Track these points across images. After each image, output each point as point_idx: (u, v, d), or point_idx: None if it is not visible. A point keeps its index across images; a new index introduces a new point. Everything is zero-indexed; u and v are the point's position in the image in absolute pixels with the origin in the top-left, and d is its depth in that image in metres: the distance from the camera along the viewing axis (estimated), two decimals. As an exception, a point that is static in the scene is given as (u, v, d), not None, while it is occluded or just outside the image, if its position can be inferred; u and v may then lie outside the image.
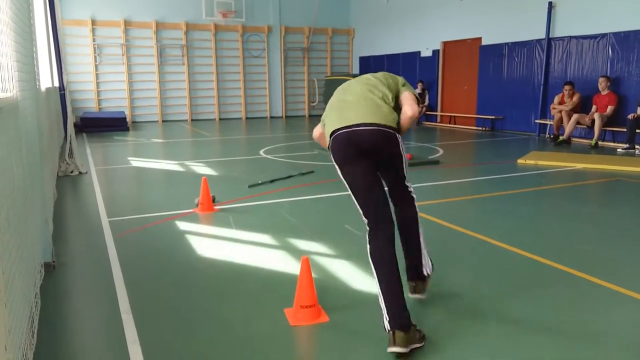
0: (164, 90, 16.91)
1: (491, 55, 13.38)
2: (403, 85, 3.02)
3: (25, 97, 3.13)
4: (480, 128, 13.63)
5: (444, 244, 4.22)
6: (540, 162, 8.07)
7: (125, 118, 14.38)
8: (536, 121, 12.16)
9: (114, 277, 3.52)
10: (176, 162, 8.46)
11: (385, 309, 2.56)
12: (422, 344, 2.55)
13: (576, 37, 11.22)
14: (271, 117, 18.43)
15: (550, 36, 11.75)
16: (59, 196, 6.01)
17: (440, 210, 5.32)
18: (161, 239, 4.40)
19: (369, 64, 18.53)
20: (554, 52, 11.77)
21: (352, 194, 2.90)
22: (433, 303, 3.10)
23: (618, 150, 9.46)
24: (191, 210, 5.31)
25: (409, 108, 2.84)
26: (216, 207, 5.40)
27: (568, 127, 10.53)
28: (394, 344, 2.44)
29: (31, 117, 3.42)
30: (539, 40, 12.03)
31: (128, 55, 16.32)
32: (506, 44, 12.91)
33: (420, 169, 7.71)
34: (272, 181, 6.69)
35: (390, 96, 2.88)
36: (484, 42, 13.61)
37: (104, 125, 13.69)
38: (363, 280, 3.42)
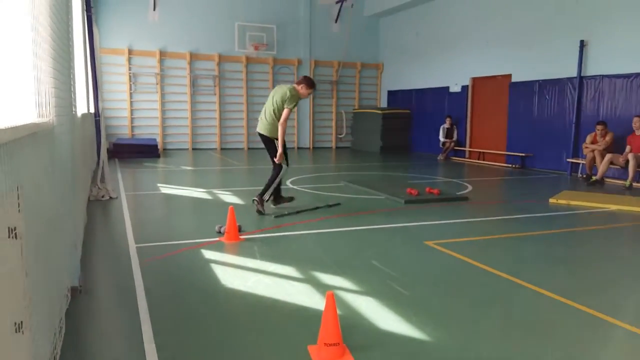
0: (195, 119, 17.24)
1: (521, 92, 13.30)
2: (283, 102, 6.23)
3: (61, 122, 3.20)
4: (510, 165, 13.44)
5: (471, 285, 4.11)
6: (573, 202, 7.88)
7: (156, 145, 14.67)
8: (568, 160, 11.94)
9: (138, 305, 3.51)
10: (204, 190, 8.53)
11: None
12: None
13: (609, 76, 11.08)
14: (298, 148, 18.56)
15: (582, 74, 11.63)
16: (89, 220, 6.10)
17: (467, 248, 5.21)
18: (187, 268, 4.40)
19: (397, 98, 18.62)
20: (586, 90, 11.63)
21: None
22: (459, 347, 3.00)
23: (654, 192, 9.19)
24: (217, 239, 5.32)
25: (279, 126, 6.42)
26: (242, 237, 5.39)
27: (601, 167, 10.30)
28: None
29: (66, 143, 3.49)
30: (570, 79, 11.91)
31: (162, 84, 16.76)
32: (537, 81, 12.82)
33: (448, 205, 7.60)
34: (298, 212, 6.67)
35: (275, 110, 6.38)
36: (514, 79, 13.55)
37: (135, 152, 13.98)
38: (389, 319, 3.34)
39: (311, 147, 18.66)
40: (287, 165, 6.86)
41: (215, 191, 8.50)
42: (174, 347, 2.92)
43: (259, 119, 6.82)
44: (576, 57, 11.61)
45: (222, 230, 5.51)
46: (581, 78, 11.64)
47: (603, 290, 4.06)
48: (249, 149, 17.79)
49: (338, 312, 2.86)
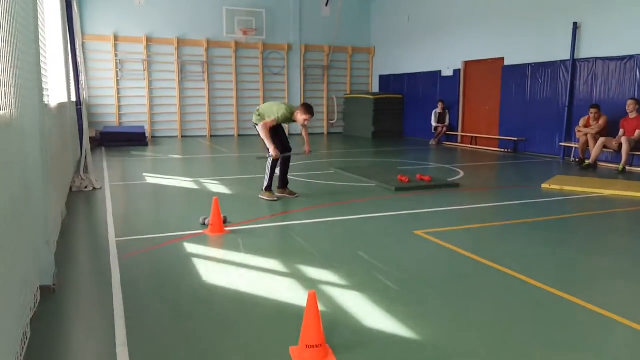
0: (183, 106, 16.96)
1: (514, 76, 13.12)
2: (277, 113, 6.56)
3: (23, 114, 3.02)
4: (502, 149, 13.32)
5: (459, 275, 3.98)
6: (566, 188, 7.76)
7: (144, 133, 14.42)
8: (560, 144, 11.82)
9: (114, 304, 3.36)
10: (191, 180, 8.35)
11: None
12: None
13: (602, 59, 10.92)
14: (290, 134, 18.28)
15: (575, 57, 11.47)
16: (69, 213, 5.91)
17: (457, 237, 5.07)
18: (167, 263, 4.24)
19: (389, 83, 18.39)
20: (579, 73, 11.47)
21: None
22: (450, 337, 2.86)
23: (647, 176, 9.10)
24: (201, 231, 5.16)
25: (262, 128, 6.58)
26: (227, 229, 5.23)
27: (594, 151, 10.19)
28: None
29: (32, 135, 3.30)
30: (563, 61, 11.75)
31: (149, 70, 16.44)
32: (529, 64, 12.64)
33: (439, 192, 7.47)
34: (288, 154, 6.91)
35: (260, 115, 6.73)
36: (506, 62, 13.36)
37: (123, 140, 13.74)
38: (375, 316, 3.20)
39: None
40: (281, 154, 6.79)
41: (203, 180, 8.31)
42: (148, 349, 2.77)
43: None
44: (569, 40, 11.43)
45: (206, 222, 5.35)
46: (574, 61, 11.48)
47: (597, 281, 3.94)
48: (239, 135, 17.56)
49: (322, 309, 2.73)
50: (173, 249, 4.60)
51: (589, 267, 4.29)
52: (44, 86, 4.83)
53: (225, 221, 5.44)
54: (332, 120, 19.18)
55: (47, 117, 4.43)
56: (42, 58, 4.30)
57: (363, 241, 4.95)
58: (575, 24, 11.29)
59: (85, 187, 7.41)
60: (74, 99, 8.14)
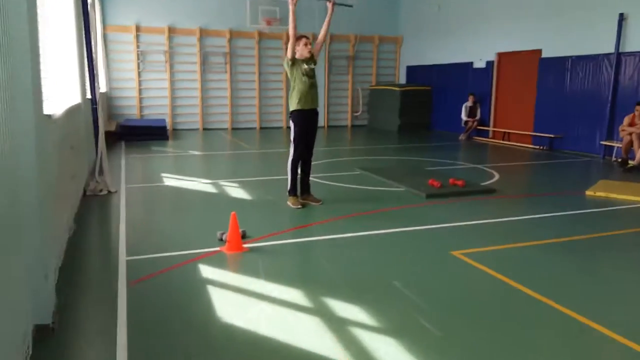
0: (205, 98, 16.62)
1: (552, 69, 12.38)
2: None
3: (15, 131, 2.64)
4: (537, 147, 12.64)
5: (508, 315, 3.48)
6: (612, 195, 7.16)
7: (165, 127, 14.10)
8: (602, 142, 11.11)
9: (117, 346, 2.98)
10: (210, 182, 7.97)
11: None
12: None
13: (651, 52, 10.16)
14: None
15: (620, 50, 10.71)
16: (80, 223, 5.57)
17: (500, 260, 4.57)
18: (180, 291, 3.84)
19: (417, 74, 17.74)
20: (624, 68, 10.72)
21: None
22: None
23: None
24: (218, 248, 4.76)
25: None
26: (245, 245, 4.82)
27: (639, 152, 9.49)
28: None
29: (26, 154, 2.92)
30: (607, 55, 10.99)
31: (171, 62, 16.11)
32: (570, 57, 11.89)
33: (474, 200, 6.94)
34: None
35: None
36: (544, 55, 12.62)
37: (143, 134, 13.43)
38: (414, 374, 2.75)
39: (326, 126, 17.96)
40: (299, 150, 6.41)
41: (222, 183, 7.92)
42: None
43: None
44: (614, 32, 10.67)
45: (224, 237, 4.95)
46: (619, 54, 10.73)
47: (668, 325, 3.42)
48: (261, 128, 17.17)
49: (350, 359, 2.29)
50: (187, 273, 4.20)
51: (655, 305, 3.76)
52: (50, 93, 4.46)
53: (244, 236, 5.04)
54: (356, 112, 18.64)
55: (51, 128, 4.06)
56: (46, 63, 3.92)
57: (395, 265, 4.48)
58: (621, 14, 10.52)
59: (100, 191, 7.08)
60: (89, 96, 7.79)
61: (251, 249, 4.78)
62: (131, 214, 6.07)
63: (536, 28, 12.71)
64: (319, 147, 6.57)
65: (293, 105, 6.34)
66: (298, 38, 6.31)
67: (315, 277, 4.16)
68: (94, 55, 7.62)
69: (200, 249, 4.77)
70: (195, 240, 5.09)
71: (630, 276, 4.33)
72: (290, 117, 6.43)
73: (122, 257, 4.54)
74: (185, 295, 3.78)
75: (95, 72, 7.60)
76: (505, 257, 4.73)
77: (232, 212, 4.78)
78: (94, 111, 7.53)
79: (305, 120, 6.35)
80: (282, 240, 5.12)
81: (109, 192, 7.13)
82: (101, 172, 7.41)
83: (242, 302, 3.67)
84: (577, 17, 11.58)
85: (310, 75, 6.36)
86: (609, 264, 4.62)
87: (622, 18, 10.53)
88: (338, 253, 4.77)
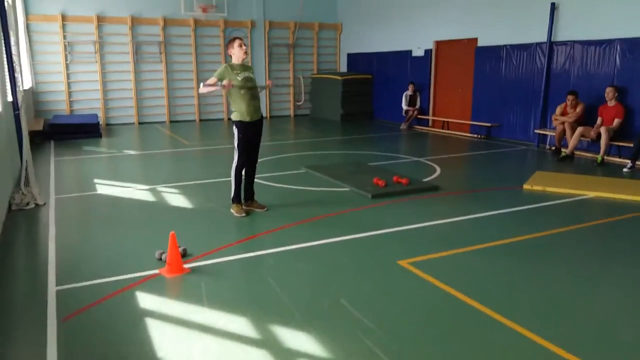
0: (140, 90, 15.91)
1: (488, 58, 12.63)
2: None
3: None
4: (475, 135, 12.91)
5: (461, 335, 3.47)
6: (549, 189, 7.38)
7: (97, 123, 13.38)
8: (536, 131, 11.46)
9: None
10: (147, 188, 7.59)
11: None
12: None
13: (581, 42, 10.50)
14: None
15: (553, 40, 11.02)
16: (3, 246, 5.14)
17: (447, 270, 4.57)
18: (116, 327, 3.58)
19: (357, 62, 17.69)
20: (556, 57, 11.05)
21: None
22: None
23: (624, 170, 8.79)
24: (157, 271, 4.51)
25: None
26: (187, 266, 4.59)
27: (572, 141, 9.84)
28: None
29: None
30: (540, 44, 11.30)
31: (101, 53, 15.28)
32: (504, 46, 12.15)
33: (417, 199, 6.97)
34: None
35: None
36: (480, 43, 12.84)
37: (74, 132, 12.69)
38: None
39: (268, 117, 17.63)
40: (243, 158, 6.13)
41: (161, 188, 7.57)
42: None
43: None
44: (546, 21, 10.95)
45: (163, 257, 4.70)
46: (551, 43, 11.04)
47: (607, 336, 3.50)
48: (200, 120, 16.67)
49: None
50: (124, 303, 3.94)
51: (604, 315, 3.85)
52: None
53: (184, 255, 4.81)
54: (299, 101, 18.42)
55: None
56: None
57: (343, 279, 4.39)
58: (553, 4, 10.80)
59: (27, 204, 6.58)
60: (10, 99, 7.22)
61: (193, 270, 4.56)
62: (62, 232, 5.66)
63: (472, 16, 12.89)
64: (262, 142, 6.29)
65: (234, 116, 6.08)
66: (231, 40, 6.03)
67: (262, 301, 3.99)
68: (14, 54, 7.03)
69: (139, 272, 4.50)
70: (132, 261, 4.80)
71: (569, 284, 4.44)
72: (232, 122, 6.16)
73: (52, 287, 4.21)
74: (122, 330, 3.54)
75: (15, 74, 7.03)
76: (451, 265, 4.73)
77: (171, 232, 4.53)
78: (16, 117, 6.97)
79: (249, 130, 6.11)
80: (225, 257, 4.91)
81: (37, 205, 6.65)
82: (27, 182, 6.90)
83: (184, 336, 3.46)
84: (512, 5, 11.81)
85: (249, 86, 6.01)
86: (550, 269, 4.71)
87: (553, 7, 10.81)
88: (285, 269, 4.62)
